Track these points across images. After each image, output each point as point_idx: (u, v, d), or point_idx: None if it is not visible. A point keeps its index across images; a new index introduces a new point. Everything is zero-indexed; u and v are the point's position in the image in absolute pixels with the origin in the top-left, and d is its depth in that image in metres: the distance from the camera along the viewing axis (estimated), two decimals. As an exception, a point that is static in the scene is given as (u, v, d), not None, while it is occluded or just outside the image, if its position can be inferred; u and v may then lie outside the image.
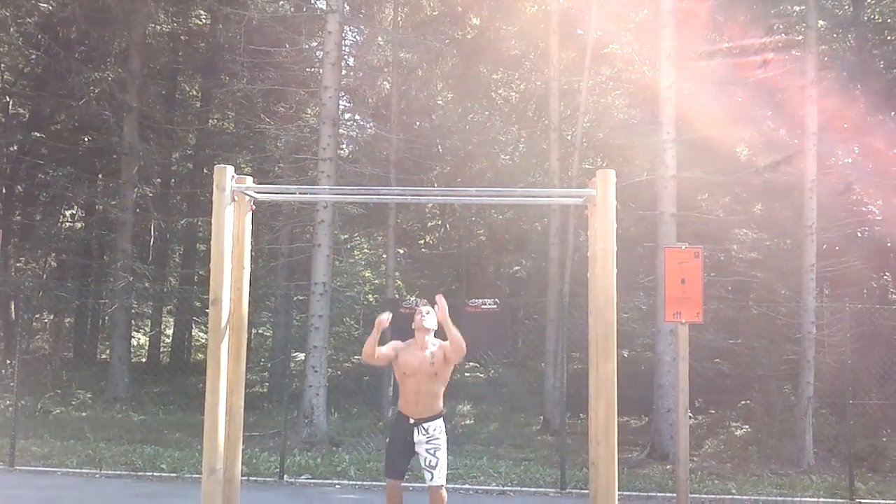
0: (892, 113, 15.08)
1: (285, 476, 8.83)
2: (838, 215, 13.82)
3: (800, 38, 13.01)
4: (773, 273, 14.25)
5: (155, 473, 8.85)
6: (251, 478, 8.49)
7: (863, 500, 8.51)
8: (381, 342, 6.04)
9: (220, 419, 5.44)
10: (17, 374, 9.71)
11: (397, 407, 6.10)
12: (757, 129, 15.30)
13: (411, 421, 5.91)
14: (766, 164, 13.47)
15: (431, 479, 5.87)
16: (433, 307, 5.97)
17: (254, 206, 5.97)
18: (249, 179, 5.87)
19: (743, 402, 14.53)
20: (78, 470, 8.95)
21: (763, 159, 14.74)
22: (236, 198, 5.65)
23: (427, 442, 5.89)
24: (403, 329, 6.29)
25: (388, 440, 6.17)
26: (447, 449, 5.98)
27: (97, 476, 8.74)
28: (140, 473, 8.83)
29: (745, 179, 14.02)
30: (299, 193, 7.46)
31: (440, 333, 5.98)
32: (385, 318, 5.94)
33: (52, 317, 22.98)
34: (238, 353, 5.78)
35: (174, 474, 8.83)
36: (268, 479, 8.75)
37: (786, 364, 13.31)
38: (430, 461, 5.86)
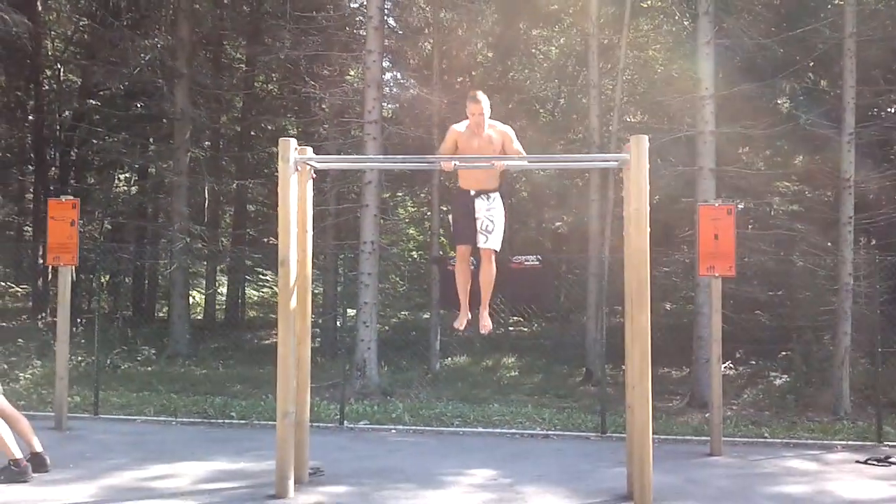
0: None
1: (345, 422, 9.51)
2: (879, 167, 13.86)
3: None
4: (815, 225, 14.37)
5: (226, 421, 9.59)
6: (313, 424, 9.13)
7: (891, 443, 8.87)
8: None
9: (291, 368, 6.03)
10: (96, 332, 10.34)
11: (459, 189, 6.39)
12: (797, 82, 15.28)
13: (472, 192, 6.23)
14: (807, 116, 13.53)
15: (486, 242, 6.16)
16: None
17: (314, 175, 6.47)
18: (310, 150, 6.37)
19: (783, 353, 14.79)
20: (156, 418, 9.73)
21: (804, 111, 14.78)
22: (299, 168, 6.16)
23: (487, 210, 6.17)
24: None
25: (451, 217, 6.58)
26: (504, 224, 6.29)
27: (174, 423, 9.50)
28: (212, 421, 9.57)
29: (786, 131, 14.10)
30: (355, 163, 7.91)
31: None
32: (450, 163, 6.06)
33: (107, 277, 23.91)
34: (304, 308, 6.36)
35: (244, 421, 9.56)
36: (329, 424, 9.43)
37: (825, 315, 13.51)
38: (486, 226, 6.14)
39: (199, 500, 6.03)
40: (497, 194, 6.27)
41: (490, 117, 6.11)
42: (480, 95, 6.06)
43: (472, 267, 6.44)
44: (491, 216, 6.16)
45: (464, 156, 6.07)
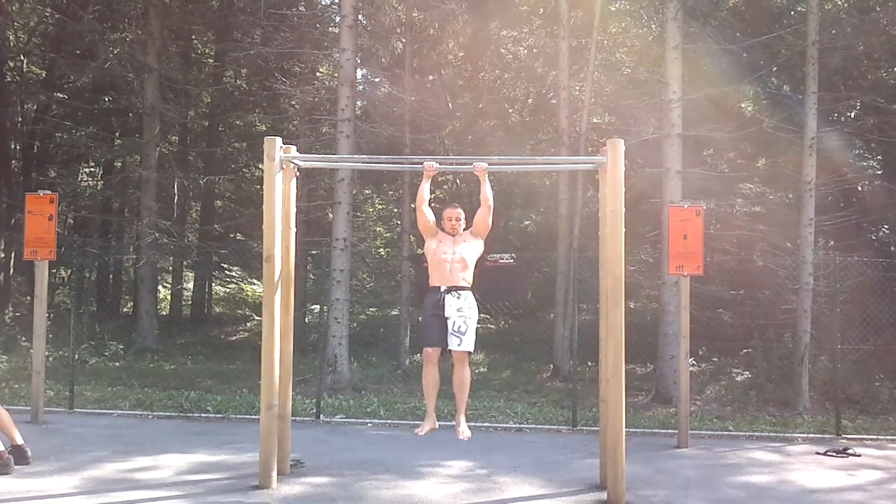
0: (894, 69, 15.49)
1: (321, 416, 9.64)
2: (839, 171, 14.30)
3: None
4: (777, 226, 14.78)
5: (202, 415, 9.66)
6: (290, 417, 9.25)
7: (849, 436, 9.26)
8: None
9: (276, 362, 6.15)
10: (71, 326, 10.31)
11: (429, 287, 6.22)
12: (762, 86, 15.70)
13: (443, 289, 6.04)
14: (770, 121, 13.92)
15: (459, 345, 5.93)
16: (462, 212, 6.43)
17: (297, 173, 6.60)
18: (294, 149, 6.49)
19: (745, 350, 15.18)
20: (131, 412, 9.76)
21: (767, 115, 15.20)
22: (284, 166, 6.27)
23: (458, 309, 5.97)
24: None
25: (422, 318, 6.32)
26: (477, 326, 6.11)
27: (150, 417, 9.55)
28: (188, 415, 9.64)
29: (750, 135, 14.48)
30: (340, 162, 8.04)
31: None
32: (432, 165, 6.31)
33: (68, 272, 23.56)
34: (287, 303, 6.48)
35: (220, 415, 9.64)
36: (305, 418, 9.53)
37: (786, 314, 13.92)
38: (459, 326, 5.93)
39: (183, 490, 6.13)
40: (469, 295, 6.11)
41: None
42: (458, 206, 6.44)
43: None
44: (463, 315, 5.97)
45: (444, 156, 6.23)
